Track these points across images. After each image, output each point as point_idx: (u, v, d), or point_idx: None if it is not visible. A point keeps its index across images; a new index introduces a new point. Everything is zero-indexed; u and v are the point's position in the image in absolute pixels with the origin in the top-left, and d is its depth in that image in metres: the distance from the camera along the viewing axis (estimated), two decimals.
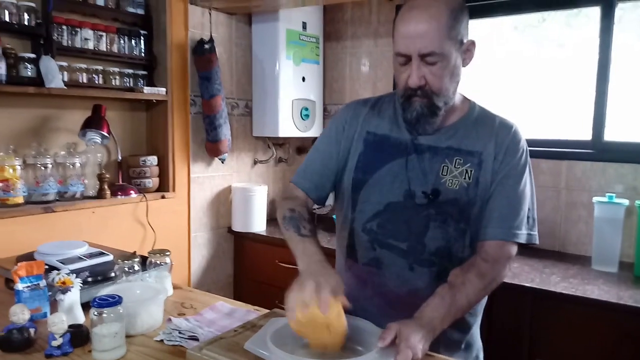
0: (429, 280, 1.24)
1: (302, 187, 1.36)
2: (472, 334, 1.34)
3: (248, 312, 1.39)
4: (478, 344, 1.37)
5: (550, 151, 2.47)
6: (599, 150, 2.36)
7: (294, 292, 1.02)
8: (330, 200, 1.43)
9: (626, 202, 2.15)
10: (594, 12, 2.38)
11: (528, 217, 1.24)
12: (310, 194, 1.36)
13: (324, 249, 1.19)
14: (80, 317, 1.29)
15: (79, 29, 2.25)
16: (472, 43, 1.23)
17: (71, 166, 2.21)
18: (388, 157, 1.27)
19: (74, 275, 1.30)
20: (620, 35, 2.33)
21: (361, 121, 1.33)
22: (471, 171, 1.22)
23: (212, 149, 2.69)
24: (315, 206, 1.42)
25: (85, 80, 2.28)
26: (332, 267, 1.13)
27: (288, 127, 2.89)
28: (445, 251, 1.24)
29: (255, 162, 3.06)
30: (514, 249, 1.24)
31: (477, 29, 2.76)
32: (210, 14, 2.68)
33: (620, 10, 2.32)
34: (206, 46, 2.58)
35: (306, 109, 2.96)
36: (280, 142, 3.16)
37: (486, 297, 1.33)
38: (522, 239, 1.22)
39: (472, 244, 1.25)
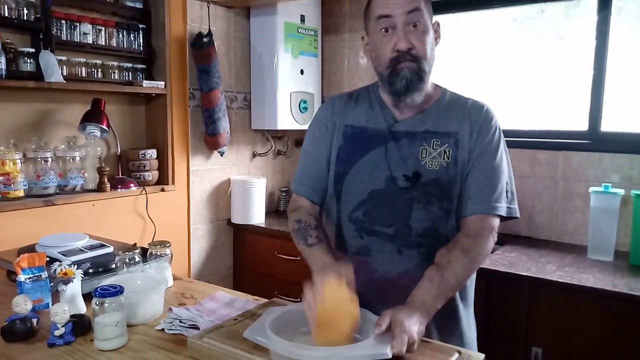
0: (418, 262, 1.26)
1: (302, 194, 1.40)
2: (466, 318, 1.36)
3: (247, 301, 1.41)
4: (472, 328, 1.39)
5: (547, 142, 2.48)
6: (596, 141, 2.38)
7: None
8: None
9: (622, 191, 2.17)
10: (593, 3, 2.38)
11: (507, 192, 1.27)
12: (311, 199, 1.38)
13: None
14: (81, 308, 1.30)
15: (77, 24, 2.25)
16: (438, 24, 1.29)
17: (71, 160, 2.22)
18: (367, 147, 1.31)
19: (75, 266, 1.32)
20: (618, 26, 2.33)
21: (339, 116, 1.37)
22: (449, 151, 1.26)
23: (211, 142, 2.70)
24: None
25: (84, 75, 2.28)
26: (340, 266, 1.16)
27: (286, 119, 2.90)
28: (431, 232, 1.26)
29: (254, 155, 3.08)
30: (496, 222, 1.25)
31: (476, 20, 2.77)
32: (208, 7, 2.68)
33: (618, 1, 2.33)
34: (205, 39, 2.59)
35: (304, 102, 2.97)
36: (279, 135, 3.18)
37: (474, 279, 1.36)
38: (502, 212, 1.25)
39: (457, 222, 1.28)
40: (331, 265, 1.15)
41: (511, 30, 2.68)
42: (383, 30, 1.23)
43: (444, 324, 1.29)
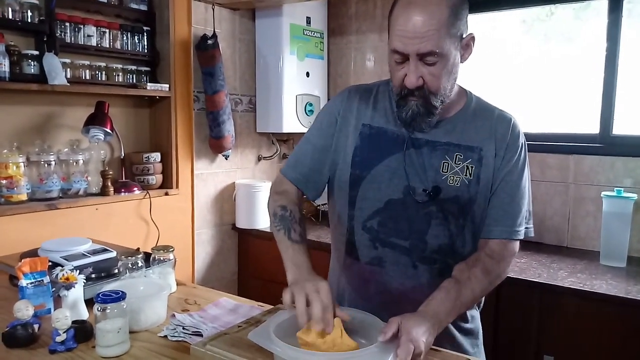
0: (432, 278, 1.23)
1: (291, 179, 1.32)
2: (475, 323, 1.33)
3: (252, 308, 1.38)
4: (480, 331, 1.36)
5: (558, 145, 2.44)
6: (607, 144, 2.34)
7: (287, 303, 1.04)
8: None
9: (635, 196, 2.13)
10: (603, 5, 2.35)
11: (527, 212, 1.25)
12: (300, 187, 1.32)
13: (322, 244, 1.18)
14: (84, 313, 1.29)
15: (82, 26, 2.24)
16: (472, 38, 1.19)
17: (74, 163, 2.21)
18: (385, 152, 1.24)
19: (78, 271, 1.30)
20: (629, 29, 2.30)
21: (355, 113, 1.29)
22: (472, 167, 1.20)
23: (215, 145, 2.68)
24: (320, 202, 1.40)
25: (88, 77, 2.27)
26: (320, 276, 1.11)
27: (292, 122, 2.87)
28: (447, 248, 1.22)
29: (259, 159, 3.05)
30: (517, 246, 1.24)
31: (484, 23, 2.74)
32: (213, 9, 2.67)
33: (628, 3, 2.29)
34: (209, 42, 2.57)
35: (310, 105, 2.95)
36: (284, 138, 3.15)
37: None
38: (522, 236, 1.23)
39: (473, 239, 1.24)
40: (311, 286, 1.06)
41: (520, 32, 2.65)
42: (397, 58, 1.14)
43: (457, 331, 1.27)
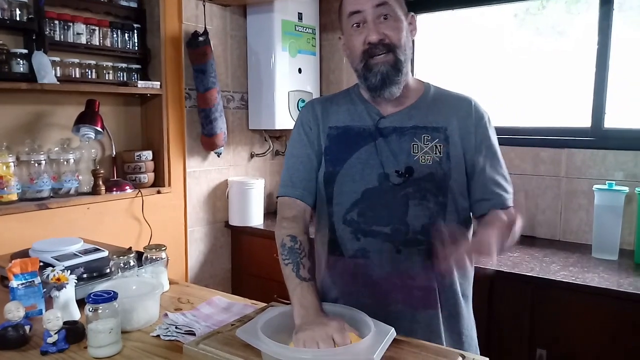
0: (418, 260, 1.24)
1: (295, 196, 1.30)
2: (468, 316, 1.33)
3: (245, 306, 1.38)
4: (473, 328, 1.36)
5: (550, 139, 2.45)
6: (599, 138, 2.34)
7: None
8: None
9: (626, 189, 2.14)
10: None
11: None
12: (306, 201, 1.31)
13: None
14: (75, 314, 1.28)
15: (71, 24, 2.22)
16: (413, 16, 1.29)
17: (65, 162, 2.19)
18: (355, 146, 1.28)
19: (69, 271, 1.30)
20: (620, 21, 2.30)
21: (321, 119, 1.33)
22: (440, 146, 1.24)
23: (207, 142, 2.66)
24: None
25: (78, 75, 2.25)
26: (328, 317, 1.09)
27: (285, 119, 2.86)
28: (429, 227, 1.23)
29: (252, 156, 3.04)
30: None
31: (477, 17, 2.74)
32: (204, 5, 2.65)
33: None
34: (200, 39, 2.55)
35: (303, 101, 2.94)
36: (277, 135, 3.14)
37: (472, 276, 1.35)
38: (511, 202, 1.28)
39: (456, 218, 1.27)
40: (323, 335, 1.02)
41: (512, 26, 2.65)
42: (355, 25, 1.23)
43: (448, 322, 1.27)
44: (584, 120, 2.40)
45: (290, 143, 1.38)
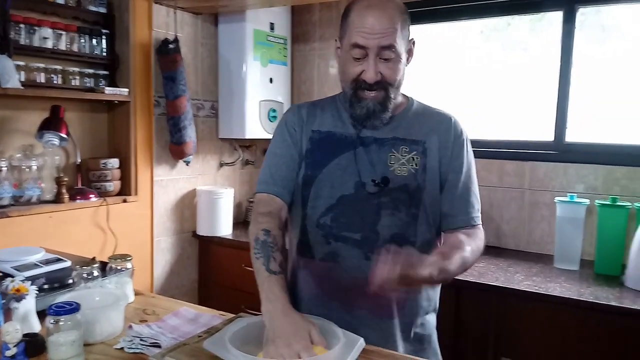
0: None
1: (274, 193, 1.31)
2: (429, 327, 1.36)
3: (213, 317, 1.36)
4: (434, 335, 1.39)
5: (514, 152, 2.52)
6: (561, 151, 2.42)
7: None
8: None
9: (587, 201, 2.21)
10: (557, 17, 2.43)
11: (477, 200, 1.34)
12: (283, 198, 1.31)
13: None
14: (35, 326, 1.24)
15: (37, 28, 2.17)
16: (414, 42, 1.29)
17: (27, 169, 2.13)
18: (336, 152, 1.30)
19: (29, 282, 1.26)
20: (583, 39, 2.39)
21: (305, 122, 1.35)
22: (417, 158, 1.27)
23: (176, 151, 2.63)
24: None
25: (43, 80, 2.20)
26: (295, 311, 1.10)
27: (255, 128, 2.86)
28: (399, 238, 1.25)
29: (221, 165, 3.02)
30: (483, 232, 1.32)
31: (445, 32, 2.79)
32: (175, 13, 2.63)
33: (581, 15, 2.39)
34: (171, 46, 2.53)
35: (274, 111, 2.94)
36: (247, 144, 3.13)
37: (439, 288, 1.37)
38: (480, 221, 1.31)
39: (427, 230, 1.29)
40: (289, 329, 1.04)
41: (479, 42, 2.72)
42: (357, 51, 1.21)
43: (406, 331, 1.29)
44: (547, 135, 2.48)
45: (273, 143, 1.38)
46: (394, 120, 1.31)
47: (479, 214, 1.31)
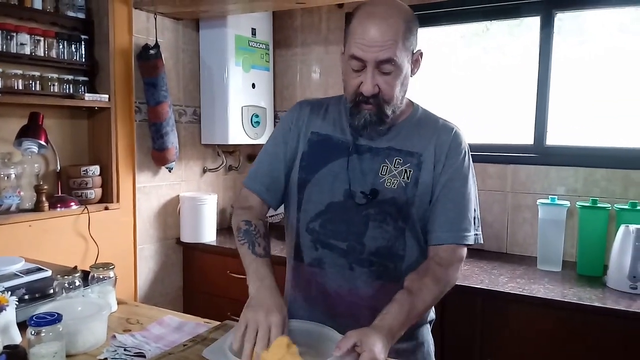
0: (368, 280, 1.26)
1: (253, 190, 1.35)
2: (420, 338, 1.36)
3: (198, 325, 1.34)
4: (428, 339, 1.39)
5: (496, 156, 2.54)
6: (542, 155, 2.45)
7: (240, 329, 1.03)
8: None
9: (567, 203, 2.24)
10: (535, 22, 2.47)
11: (474, 218, 1.28)
12: (263, 197, 1.34)
13: (277, 257, 1.18)
14: (16, 338, 1.21)
15: (14, 34, 2.13)
16: (421, 53, 1.25)
17: (6, 178, 2.09)
18: (330, 157, 1.29)
19: (9, 293, 1.23)
20: (562, 44, 2.43)
21: (306, 121, 1.34)
22: (410, 171, 1.25)
23: (158, 157, 2.61)
24: (268, 214, 1.40)
25: (21, 87, 2.16)
26: (281, 294, 1.13)
27: (238, 134, 2.84)
28: (385, 251, 1.25)
29: (204, 171, 3.00)
30: (465, 251, 1.26)
31: (426, 37, 2.82)
32: (155, 18, 2.61)
33: (559, 20, 2.43)
34: (151, 52, 2.51)
35: (257, 116, 2.93)
36: (230, 150, 3.11)
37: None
38: (471, 241, 1.25)
39: (415, 244, 1.27)
40: (269, 304, 1.07)
41: (460, 46, 2.75)
42: (355, 63, 1.18)
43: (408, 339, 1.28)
44: (527, 138, 2.51)
45: (270, 136, 1.41)
46: (394, 128, 1.28)
47: (469, 234, 1.24)
